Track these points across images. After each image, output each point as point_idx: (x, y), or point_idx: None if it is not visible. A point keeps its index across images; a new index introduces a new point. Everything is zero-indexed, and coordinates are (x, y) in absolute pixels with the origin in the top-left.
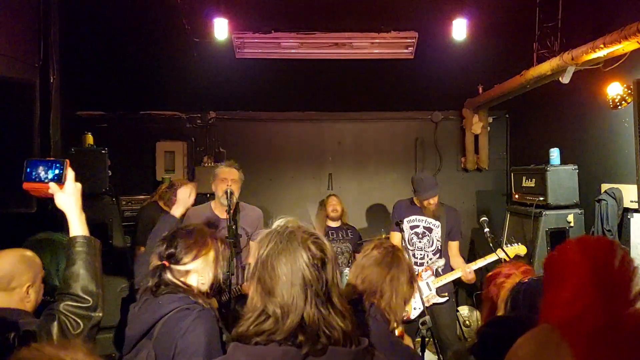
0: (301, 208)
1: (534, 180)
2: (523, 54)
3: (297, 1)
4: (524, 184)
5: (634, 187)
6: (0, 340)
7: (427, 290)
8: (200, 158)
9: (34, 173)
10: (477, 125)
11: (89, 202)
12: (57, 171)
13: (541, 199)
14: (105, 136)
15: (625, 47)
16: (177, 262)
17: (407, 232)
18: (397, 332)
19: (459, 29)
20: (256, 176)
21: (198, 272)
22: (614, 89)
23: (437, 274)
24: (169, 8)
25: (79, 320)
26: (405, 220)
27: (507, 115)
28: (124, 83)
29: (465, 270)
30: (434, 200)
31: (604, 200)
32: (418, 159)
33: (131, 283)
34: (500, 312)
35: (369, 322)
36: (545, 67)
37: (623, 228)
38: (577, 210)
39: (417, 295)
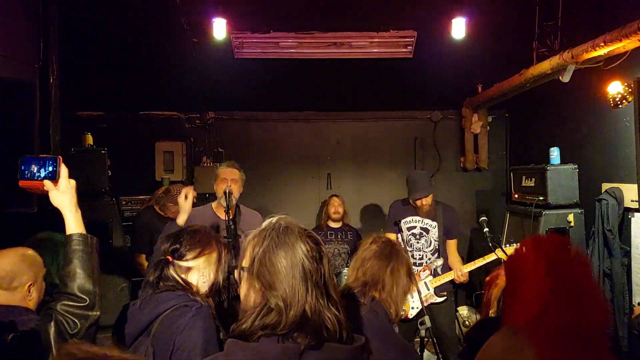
0: (300, 208)
1: (533, 179)
2: (523, 52)
3: (295, 1)
4: (523, 184)
5: (635, 186)
6: (2, 338)
7: (426, 290)
8: (199, 158)
9: (27, 171)
10: (476, 124)
11: (88, 202)
12: (50, 168)
13: (541, 198)
14: (105, 136)
15: (625, 45)
16: (180, 258)
17: (405, 233)
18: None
19: (458, 28)
20: (255, 176)
21: (199, 270)
22: (615, 88)
23: (435, 274)
24: (168, 8)
25: (75, 320)
26: (402, 221)
27: (506, 115)
28: (123, 83)
29: (457, 273)
30: (426, 201)
31: (605, 199)
32: (417, 158)
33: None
34: (492, 310)
35: (370, 316)
36: (545, 66)
37: (623, 228)
38: (578, 210)
39: (415, 294)
